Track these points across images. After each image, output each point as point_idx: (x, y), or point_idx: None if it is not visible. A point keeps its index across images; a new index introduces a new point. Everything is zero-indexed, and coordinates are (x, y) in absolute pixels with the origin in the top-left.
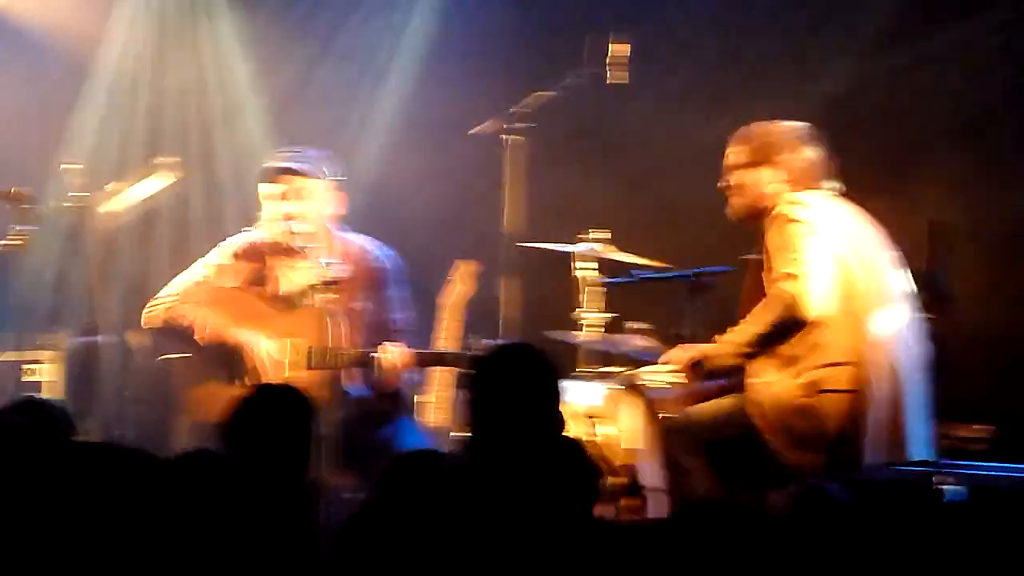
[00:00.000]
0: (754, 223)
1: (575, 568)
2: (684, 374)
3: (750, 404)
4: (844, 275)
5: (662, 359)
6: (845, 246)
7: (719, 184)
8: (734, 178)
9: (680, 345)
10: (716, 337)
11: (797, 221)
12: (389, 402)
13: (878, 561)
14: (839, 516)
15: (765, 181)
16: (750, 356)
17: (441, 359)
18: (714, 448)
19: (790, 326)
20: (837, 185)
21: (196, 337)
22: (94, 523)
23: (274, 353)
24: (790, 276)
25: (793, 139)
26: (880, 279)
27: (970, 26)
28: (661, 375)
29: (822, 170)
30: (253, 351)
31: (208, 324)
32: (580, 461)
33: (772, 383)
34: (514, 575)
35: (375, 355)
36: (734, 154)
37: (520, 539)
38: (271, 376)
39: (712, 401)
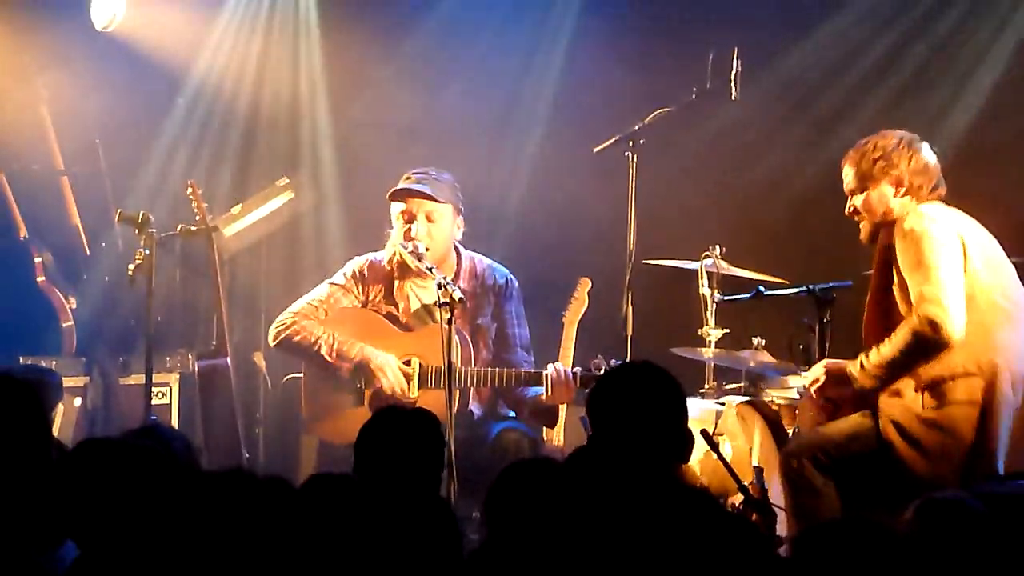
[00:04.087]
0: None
1: None
2: (823, 388)
3: (882, 418)
4: (973, 286)
5: (810, 372)
6: (974, 257)
7: (846, 211)
8: (858, 202)
9: (825, 361)
10: (860, 357)
11: (929, 235)
12: (548, 421)
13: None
14: (973, 528)
15: (888, 197)
16: (890, 379)
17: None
18: (843, 465)
19: (932, 349)
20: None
21: (323, 355)
22: (224, 552)
23: (399, 371)
24: (932, 300)
25: (903, 148)
26: (1006, 290)
27: None
28: (786, 388)
29: (936, 174)
30: (381, 369)
31: (336, 341)
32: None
33: (902, 397)
34: None
35: (546, 373)
36: (850, 178)
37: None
38: (399, 394)
39: (842, 418)
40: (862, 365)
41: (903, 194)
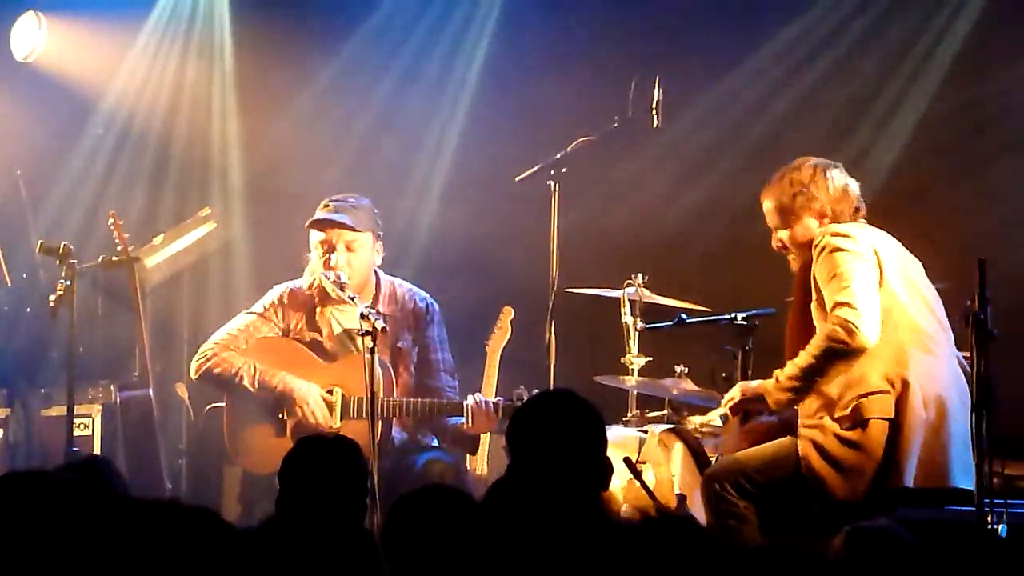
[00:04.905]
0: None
1: None
2: (738, 411)
3: (802, 441)
4: (888, 303)
5: (725, 400)
6: (890, 274)
7: (773, 245)
8: (784, 237)
9: (740, 384)
10: (775, 373)
11: (843, 250)
12: (469, 449)
13: None
14: (902, 558)
15: (813, 229)
16: (803, 388)
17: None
18: (764, 490)
19: (845, 353)
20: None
21: (245, 385)
22: None
23: (321, 401)
24: (845, 305)
25: (819, 177)
26: (923, 310)
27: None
28: (707, 414)
29: (855, 195)
30: (304, 400)
31: (256, 373)
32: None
33: (823, 419)
34: None
35: (467, 404)
36: (772, 213)
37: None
38: (321, 424)
39: (766, 444)
40: (776, 379)
41: (828, 223)
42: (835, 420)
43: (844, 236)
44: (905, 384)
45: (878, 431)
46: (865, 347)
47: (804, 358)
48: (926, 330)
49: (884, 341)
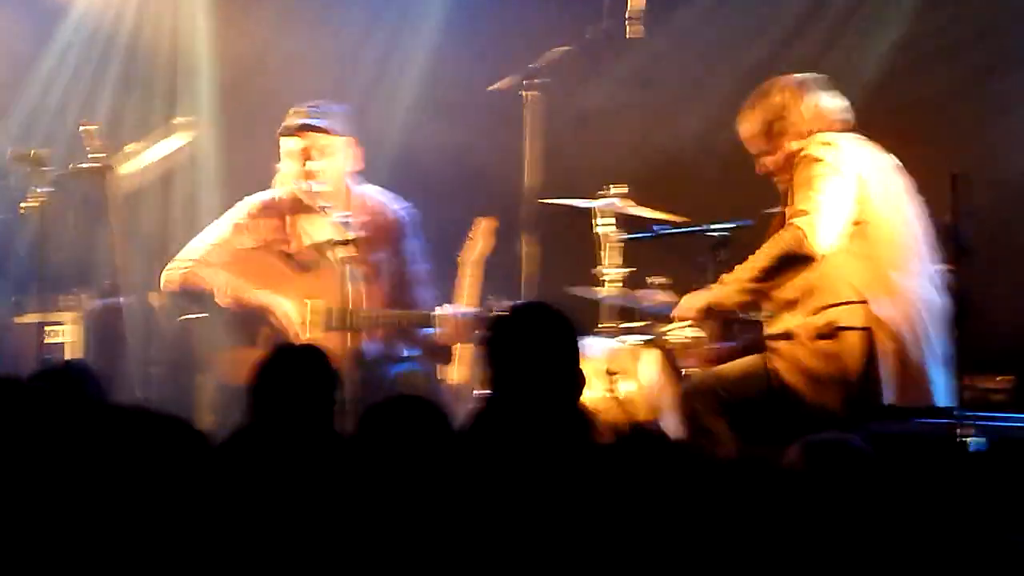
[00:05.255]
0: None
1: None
2: (698, 324)
3: (772, 355)
4: (866, 214)
5: (674, 312)
6: (870, 187)
7: (757, 170)
8: (769, 163)
9: (688, 294)
10: (722, 278)
11: (820, 160)
12: (442, 360)
13: (900, 514)
14: (861, 468)
15: (787, 143)
16: (758, 291)
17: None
18: (738, 407)
19: (795, 260)
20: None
21: (217, 300)
22: (129, 489)
23: (294, 314)
24: (803, 213)
25: (793, 98)
26: (903, 224)
27: None
28: (680, 329)
29: (838, 108)
30: (274, 312)
31: (228, 287)
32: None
33: (790, 328)
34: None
35: (436, 314)
36: (751, 141)
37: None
38: (292, 337)
39: (739, 360)
40: (723, 282)
41: (803, 136)
42: (805, 325)
43: (827, 145)
44: (881, 295)
45: (852, 341)
46: (814, 255)
47: (756, 260)
48: (904, 245)
49: (858, 254)
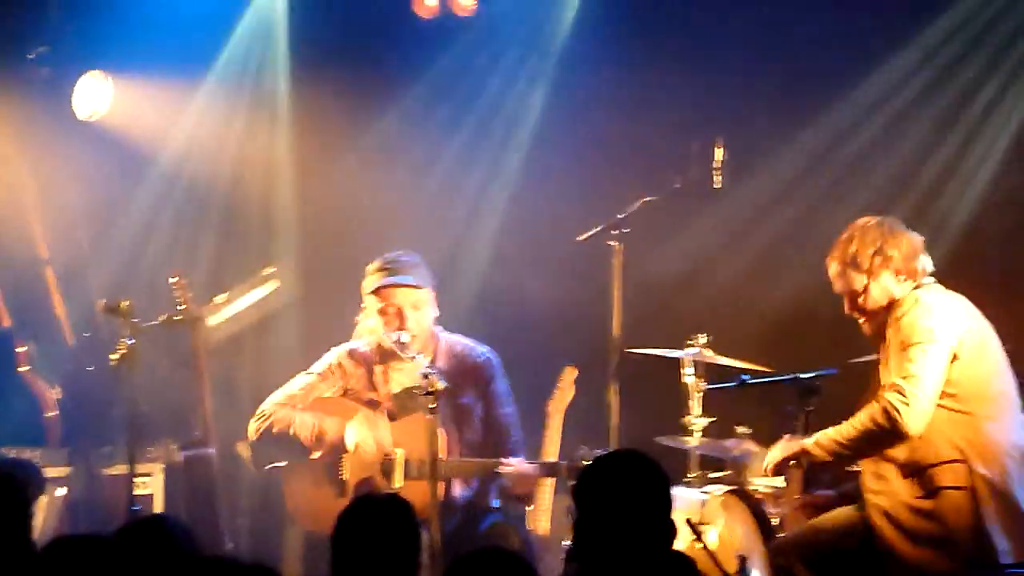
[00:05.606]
0: (872, 318)
1: None
2: (784, 472)
3: (872, 509)
4: (959, 375)
5: (765, 462)
6: (965, 348)
7: (847, 310)
8: (860, 301)
9: (779, 443)
10: (815, 438)
11: (919, 328)
12: (522, 503)
13: None
14: None
15: (891, 287)
16: (847, 456)
17: (556, 469)
18: (830, 560)
19: (886, 438)
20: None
21: (301, 435)
22: None
23: (363, 441)
24: (901, 391)
25: (889, 234)
26: (994, 377)
27: None
28: (767, 478)
29: (923, 251)
30: (357, 440)
31: (312, 422)
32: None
33: (888, 485)
34: None
35: (505, 469)
36: (841, 277)
37: None
38: (376, 451)
39: (832, 511)
40: (817, 440)
41: (904, 280)
42: (906, 486)
43: (925, 309)
44: (979, 453)
45: (953, 501)
46: (906, 436)
47: (848, 429)
48: (997, 396)
49: (955, 412)
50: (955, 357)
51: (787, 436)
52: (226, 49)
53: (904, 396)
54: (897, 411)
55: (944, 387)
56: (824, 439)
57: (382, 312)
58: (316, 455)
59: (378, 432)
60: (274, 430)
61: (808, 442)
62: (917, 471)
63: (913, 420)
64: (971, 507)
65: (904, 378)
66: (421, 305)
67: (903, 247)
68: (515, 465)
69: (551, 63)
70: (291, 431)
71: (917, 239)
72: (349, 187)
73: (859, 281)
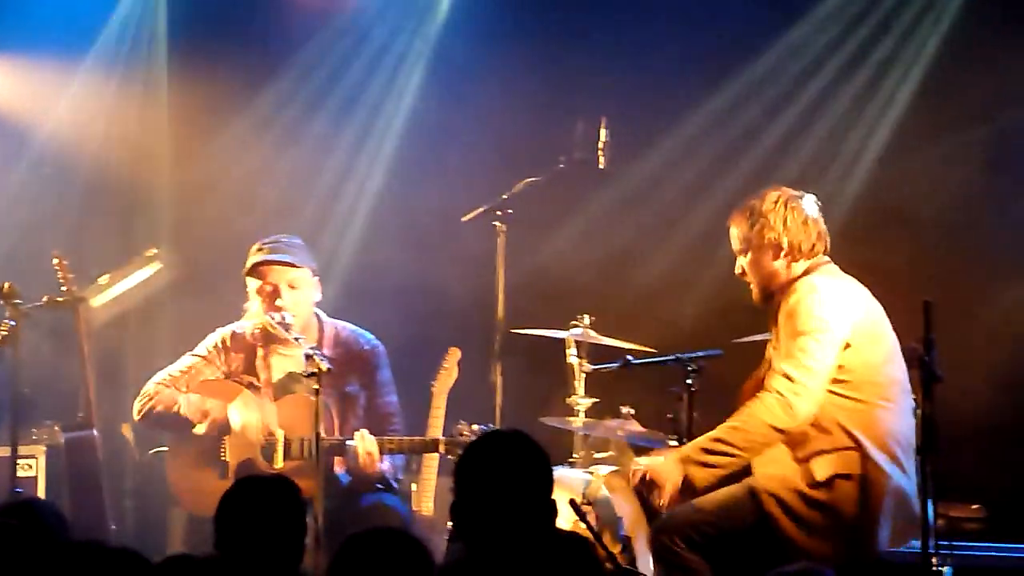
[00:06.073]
0: (769, 303)
1: None
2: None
3: (762, 494)
4: (852, 363)
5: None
6: (857, 335)
7: (735, 271)
8: (742, 264)
9: (665, 456)
10: (707, 435)
11: (811, 314)
12: (370, 487)
13: None
14: None
15: (769, 260)
16: (734, 462)
17: (411, 446)
18: (717, 541)
19: (781, 432)
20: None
21: (184, 415)
22: None
23: (249, 420)
24: (792, 380)
25: (780, 208)
26: (886, 364)
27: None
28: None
29: (816, 229)
30: (231, 424)
31: (192, 402)
32: (582, 557)
33: (781, 469)
34: None
35: (349, 443)
36: (734, 240)
37: None
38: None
39: (719, 491)
40: (691, 456)
41: (783, 255)
42: (798, 470)
43: (821, 297)
44: (870, 440)
45: (845, 490)
46: (788, 428)
47: (735, 434)
48: (884, 383)
49: (847, 399)
50: (847, 345)
51: (677, 417)
52: (106, 27)
53: (795, 385)
54: (790, 405)
55: (837, 374)
56: (698, 451)
57: (260, 292)
58: (200, 431)
59: (263, 412)
60: (157, 409)
61: (690, 450)
62: (809, 457)
63: (804, 410)
64: (861, 496)
65: (796, 368)
66: (299, 284)
67: (787, 223)
68: (366, 436)
69: (434, 40)
70: (175, 409)
71: (809, 216)
72: (230, 169)
73: (744, 247)
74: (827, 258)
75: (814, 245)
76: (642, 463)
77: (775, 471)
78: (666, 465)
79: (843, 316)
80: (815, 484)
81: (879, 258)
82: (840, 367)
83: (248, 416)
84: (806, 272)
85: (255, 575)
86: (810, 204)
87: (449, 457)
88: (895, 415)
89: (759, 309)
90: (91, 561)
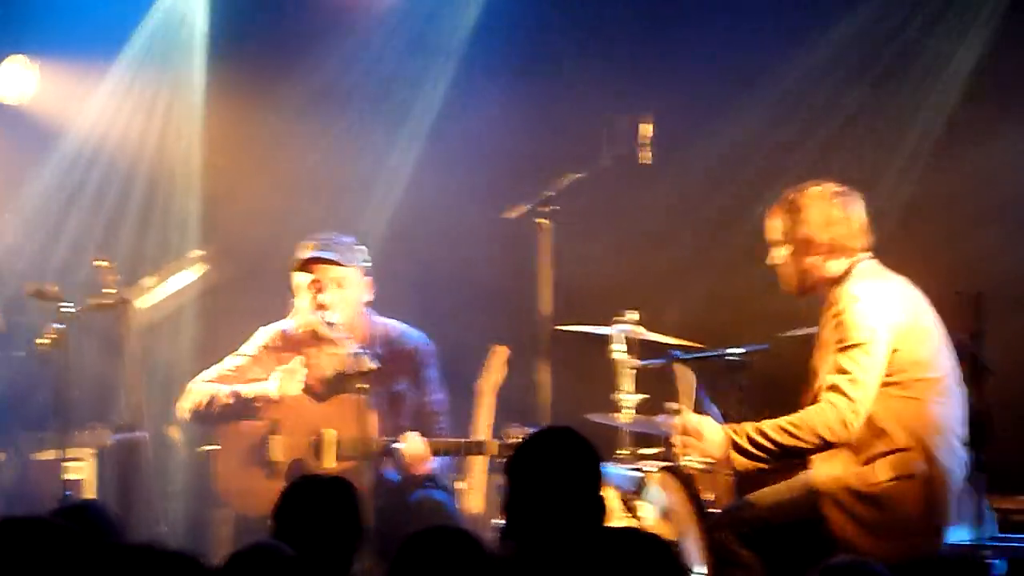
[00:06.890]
0: (807, 295)
1: None
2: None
3: (820, 492)
4: (903, 364)
5: (688, 447)
6: (902, 337)
7: (767, 261)
8: (776, 256)
9: (713, 428)
10: (757, 426)
11: (860, 327)
12: (419, 485)
13: None
14: None
15: (805, 256)
16: (779, 461)
17: (460, 448)
18: (769, 536)
19: (835, 443)
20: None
21: (225, 402)
22: None
23: (286, 386)
24: (848, 396)
25: (817, 202)
26: (938, 357)
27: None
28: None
29: (859, 225)
30: (268, 396)
31: (231, 389)
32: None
33: (842, 470)
34: None
35: (397, 445)
36: (769, 230)
37: None
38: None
39: (769, 488)
40: (740, 444)
41: (822, 251)
42: (857, 472)
43: (865, 307)
44: (929, 440)
45: (903, 490)
46: (844, 440)
47: (784, 436)
48: (936, 378)
49: (900, 399)
50: (895, 350)
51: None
52: (141, 28)
53: (853, 402)
54: (847, 422)
55: (888, 377)
56: (747, 441)
57: (307, 288)
58: (274, 394)
59: (298, 377)
60: (203, 407)
61: (737, 440)
62: (870, 459)
63: (859, 426)
64: (925, 496)
65: (851, 383)
66: (346, 284)
67: (821, 218)
68: (412, 439)
69: (472, 35)
70: (209, 400)
71: (848, 213)
72: (266, 166)
73: (778, 239)
74: (868, 255)
75: (855, 242)
76: (691, 419)
77: (837, 472)
78: (712, 433)
79: (887, 322)
80: (877, 486)
81: (929, 252)
82: (891, 371)
83: (287, 383)
84: (847, 272)
85: (311, 574)
86: (854, 200)
87: (499, 459)
88: (950, 408)
89: (799, 303)
90: (150, 564)
